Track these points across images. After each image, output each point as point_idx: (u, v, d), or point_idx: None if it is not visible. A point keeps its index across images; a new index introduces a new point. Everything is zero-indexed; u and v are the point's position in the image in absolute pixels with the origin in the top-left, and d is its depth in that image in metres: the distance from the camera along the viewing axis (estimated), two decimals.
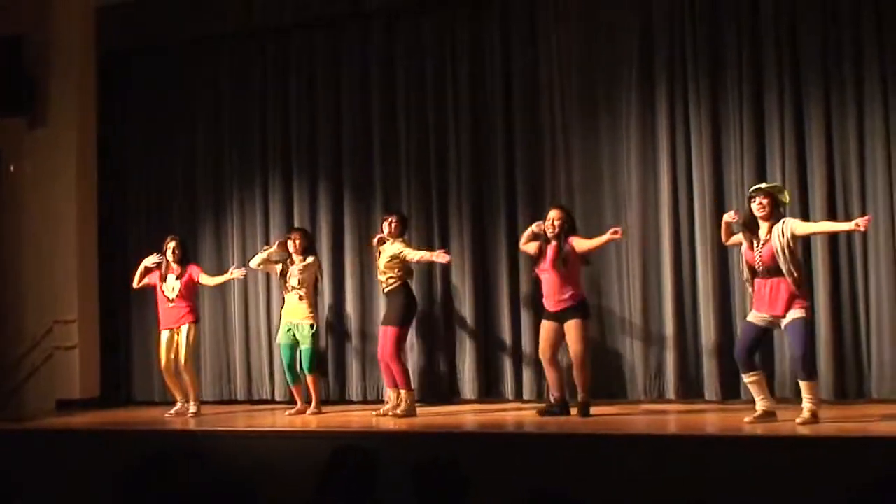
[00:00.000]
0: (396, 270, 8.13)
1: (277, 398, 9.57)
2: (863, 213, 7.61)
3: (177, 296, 8.85)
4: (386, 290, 8.22)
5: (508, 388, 8.81)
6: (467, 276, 8.91)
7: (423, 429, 7.51)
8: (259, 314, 9.72)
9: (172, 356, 8.86)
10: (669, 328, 8.23)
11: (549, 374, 7.75)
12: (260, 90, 9.93)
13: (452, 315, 9.06)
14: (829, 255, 7.78)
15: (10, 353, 10.18)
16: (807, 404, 6.67)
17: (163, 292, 8.92)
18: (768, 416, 6.80)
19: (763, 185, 6.96)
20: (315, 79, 9.71)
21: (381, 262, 8.18)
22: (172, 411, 8.91)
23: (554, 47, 8.82)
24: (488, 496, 3.89)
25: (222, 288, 9.76)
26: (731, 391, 7.99)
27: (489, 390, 8.89)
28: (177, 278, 8.88)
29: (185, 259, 8.98)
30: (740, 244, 7.00)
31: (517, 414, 8.27)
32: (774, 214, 6.76)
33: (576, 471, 6.12)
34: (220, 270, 9.78)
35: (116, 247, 10.41)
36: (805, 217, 7.63)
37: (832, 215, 7.73)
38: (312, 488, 3.65)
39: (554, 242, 7.64)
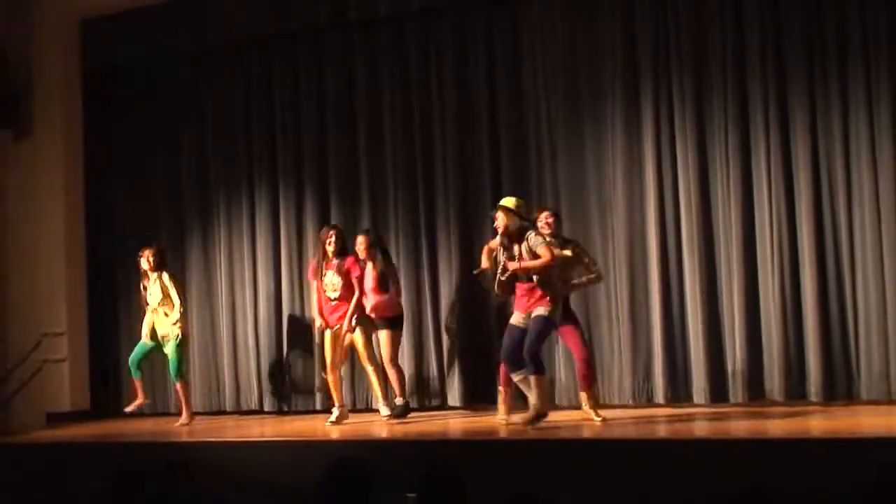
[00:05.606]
0: None
1: (266, 408, 9.56)
2: (849, 210, 7.72)
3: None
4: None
5: (496, 394, 8.78)
6: (454, 281, 8.90)
7: (419, 437, 7.51)
8: (247, 325, 9.70)
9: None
10: (657, 332, 8.23)
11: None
12: (244, 100, 9.93)
13: (439, 320, 9.05)
14: (817, 256, 7.79)
15: None
16: (535, 401, 6.98)
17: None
18: (540, 417, 7.04)
19: (501, 202, 7.20)
20: (299, 88, 9.71)
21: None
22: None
23: (538, 52, 8.83)
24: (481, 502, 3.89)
25: (210, 299, 9.77)
26: (720, 395, 8.00)
27: (475, 396, 8.85)
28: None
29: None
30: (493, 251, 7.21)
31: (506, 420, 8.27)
32: (515, 226, 7.04)
33: (566, 477, 6.12)
34: (209, 279, 9.80)
35: (104, 258, 10.39)
36: (791, 213, 7.86)
37: (818, 211, 7.80)
38: (306, 499, 3.65)
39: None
